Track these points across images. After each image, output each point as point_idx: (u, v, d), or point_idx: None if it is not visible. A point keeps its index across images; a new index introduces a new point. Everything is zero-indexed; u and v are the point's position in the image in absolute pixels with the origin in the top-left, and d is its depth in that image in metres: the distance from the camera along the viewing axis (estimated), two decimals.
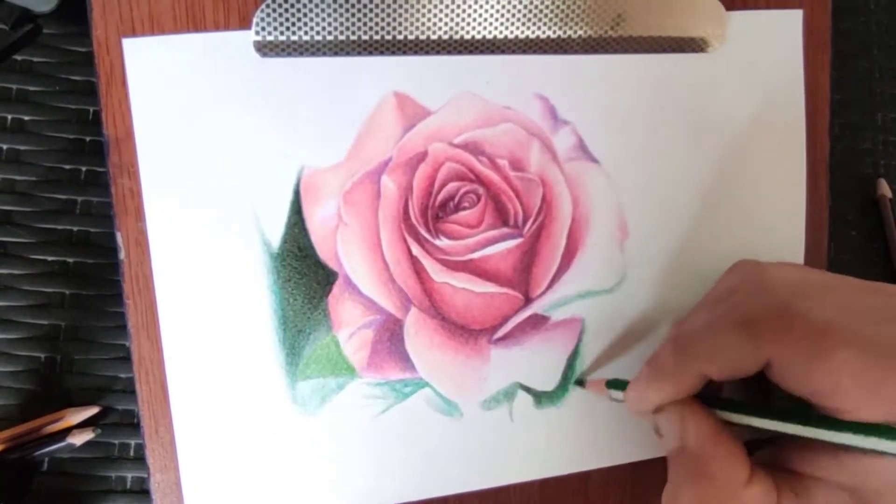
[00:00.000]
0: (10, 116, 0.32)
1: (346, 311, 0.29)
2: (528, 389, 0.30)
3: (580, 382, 0.30)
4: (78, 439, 0.31)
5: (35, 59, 0.33)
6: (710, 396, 0.24)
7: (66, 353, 0.32)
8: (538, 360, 0.30)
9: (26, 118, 0.32)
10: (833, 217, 0.34)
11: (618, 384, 0.27)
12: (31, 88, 0.33)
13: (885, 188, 0.36)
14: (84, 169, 0.33)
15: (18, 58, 0.32)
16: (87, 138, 0.33)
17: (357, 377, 0.29)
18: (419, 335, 0.29)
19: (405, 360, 0.29)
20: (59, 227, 0.32)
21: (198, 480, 0.28)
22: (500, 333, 0.30)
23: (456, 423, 0.30)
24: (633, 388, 0.26)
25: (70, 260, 0.32)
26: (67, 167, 0.33)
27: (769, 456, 0.24)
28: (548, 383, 0.30)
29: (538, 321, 0.30)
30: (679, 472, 0.24)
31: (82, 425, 0.31)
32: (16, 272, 0.32)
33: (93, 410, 0.31)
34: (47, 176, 0.32)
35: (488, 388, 0.30)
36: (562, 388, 0.30)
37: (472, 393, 0.30)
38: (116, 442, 0.32)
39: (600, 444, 0.31)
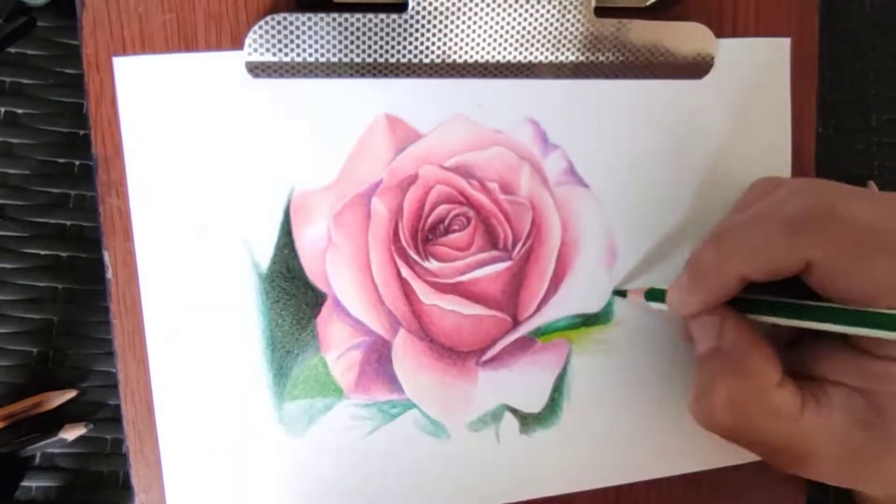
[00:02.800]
0: (3, 109, 0.32)
1: (334, 332, 0.29)
2: (514, 411, 0.30)
3: (622, 293, 0.30)
4: (70, 434, 0.30)
5: (29, 52, 0.32)
6: (738, 299, 0.24)
7: (58, 348, 0.32)
8: (525, 382, 0.30)
9: (20, 111, 0.32)
10: None
11: (656, 295, 0.27)
12: (25, 81, 0.32)
13: (873, 190, 0.36)
14: (77, 163, 0.32)
15: (12, 50, 0.32)
16: (81, 132, 0.32)
17: (344, 398, 0.29)
18: (407, 357, 0.29)
19: (393, 382, 0.29)
20: (52, 221, 0.32)
21: (183, 501, 0.28)
22: (487, 356, 0.30)
23: (443, 444, 0.30)
24: (674, 292, 0.26)
25: (63, 254, 0.32)
26: (61, 161, 0.32)
27: (789, 362, 0.24)
28: (535, 405, 0.30)
29: (526, 343, 0.30)
30: (712, 371, 0.24)
31: (71, 419, 0.31)
32: (8, 266, 0.32)
33: (71, 394, 0.31)
34: (40, 170, 0.32)
35: (475, 409, 0.30)
36: (549, 410, 0.30)
37: (458, 414, 0.30)
38: (108, 437, 0.32)
39: (586, 467, 0.31)
